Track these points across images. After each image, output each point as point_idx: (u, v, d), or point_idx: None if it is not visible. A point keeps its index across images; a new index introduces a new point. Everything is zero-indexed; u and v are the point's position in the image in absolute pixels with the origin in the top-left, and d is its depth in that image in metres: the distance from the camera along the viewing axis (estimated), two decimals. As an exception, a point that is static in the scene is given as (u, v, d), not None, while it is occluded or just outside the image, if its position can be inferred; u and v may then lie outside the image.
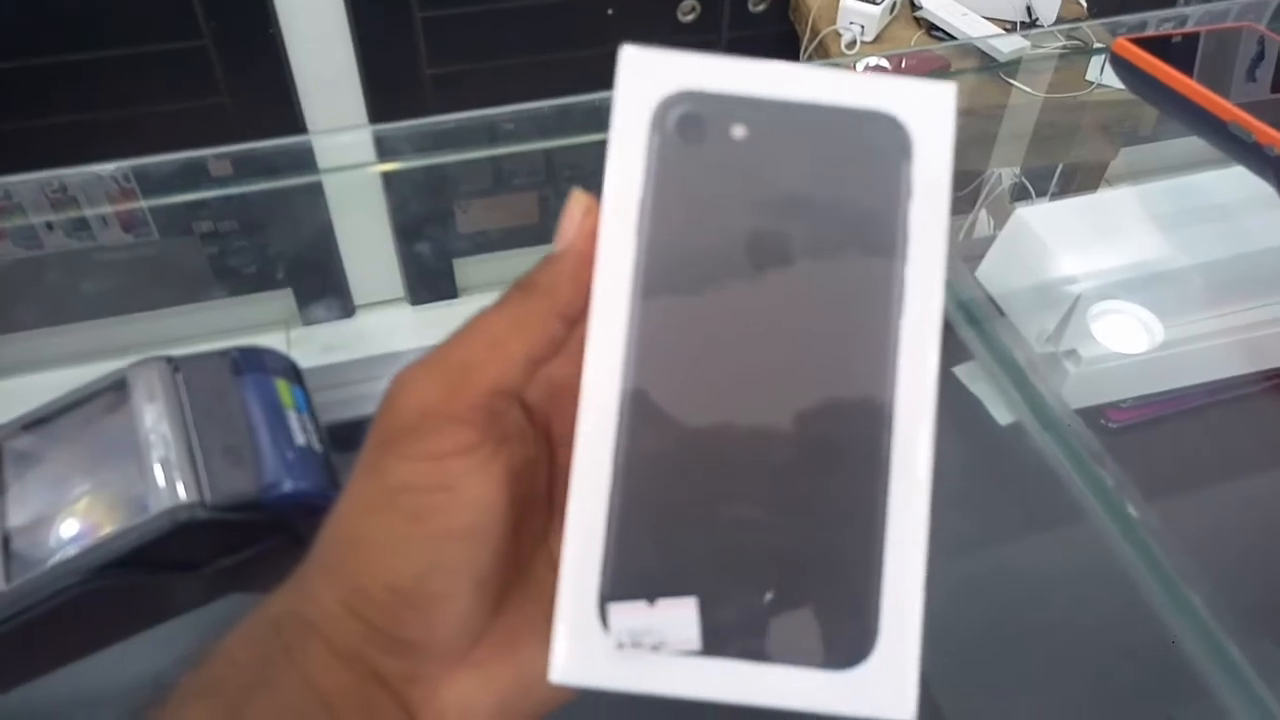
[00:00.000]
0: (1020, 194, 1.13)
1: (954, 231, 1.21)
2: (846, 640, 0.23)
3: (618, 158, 0.23)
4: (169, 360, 0.39)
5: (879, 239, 0.23)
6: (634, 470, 0.23)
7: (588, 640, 0.22)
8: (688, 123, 0.23)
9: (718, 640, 0.22)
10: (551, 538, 0.27)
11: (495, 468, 0.24)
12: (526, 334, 0.24)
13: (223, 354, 0.40)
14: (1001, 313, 0.68)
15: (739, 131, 0.23)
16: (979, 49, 1.17)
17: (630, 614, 0.22)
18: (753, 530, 0.23)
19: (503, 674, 0.25)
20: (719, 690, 0.22)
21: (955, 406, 0.66)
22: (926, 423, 0.23)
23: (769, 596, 0.23)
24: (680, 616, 0.22)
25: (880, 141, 0.24)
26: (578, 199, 0.24)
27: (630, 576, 0.22)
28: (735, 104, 0.23)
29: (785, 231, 0.23)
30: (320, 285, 1.32)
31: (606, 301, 0.23)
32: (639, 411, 0.23)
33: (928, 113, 0.24)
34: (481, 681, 0.25)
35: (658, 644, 0.22)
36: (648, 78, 0.23)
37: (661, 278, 0.23)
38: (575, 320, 0.24)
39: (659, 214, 0.23)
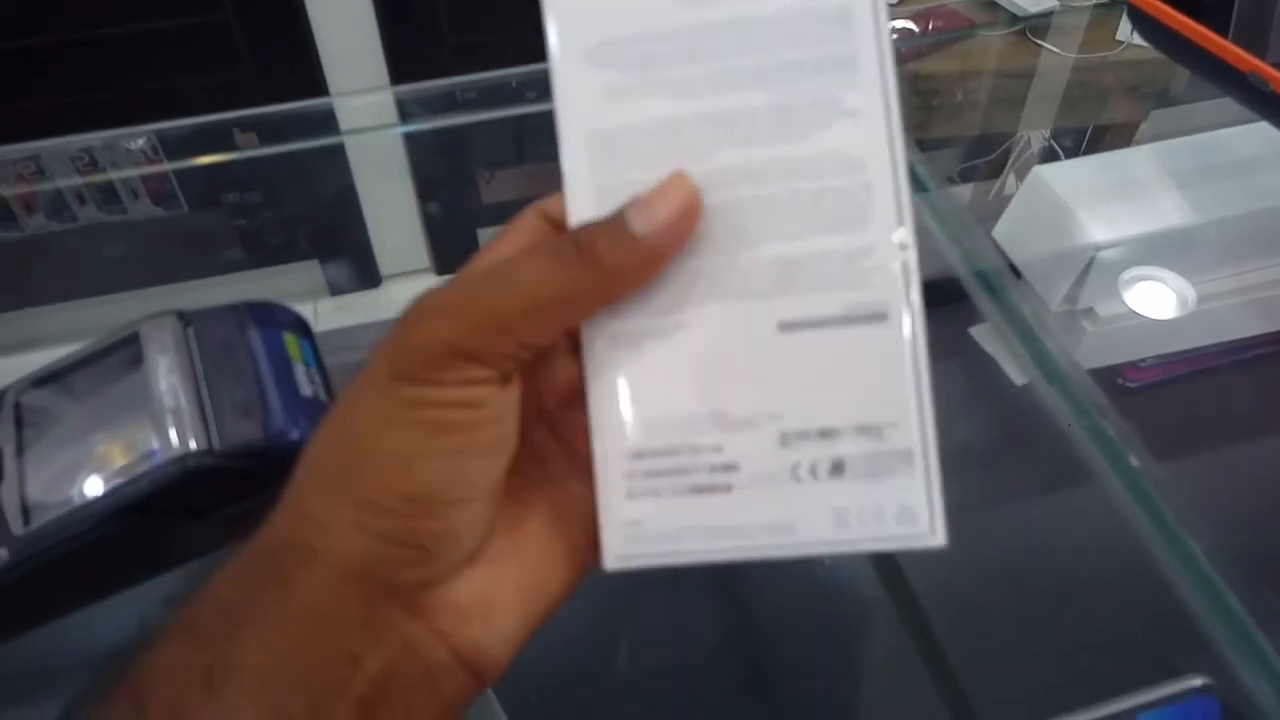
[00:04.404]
0: (1049, 157, 1.11)
1: (981, 194, 1.20)
2: None
3: None
4: (180, 315, 0.40)
5: None
6: None
7: None
8: None
9: None
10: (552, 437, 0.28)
11: (514, 389, 0.25)
12: (574, 312, 0.25)
13: (233, 308, 0.41)
14: (1016, 271, 0.68)
15: None
16: (1005, 7, 1.15)
17: None
18: None
19: (514, 565, 0.26)
20: None
21: (970, 367, 0.66)
22: None
23: None
24: None
25: None
26: (683, 183, 0.24)
27: None
28: None
29: None
30: (346, 255, 1.34)
31: None
32: None
33: None
34: (494, 575, 0.26)
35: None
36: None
37: None
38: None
39: None
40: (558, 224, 0.27)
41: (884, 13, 0.25)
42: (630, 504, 0.25)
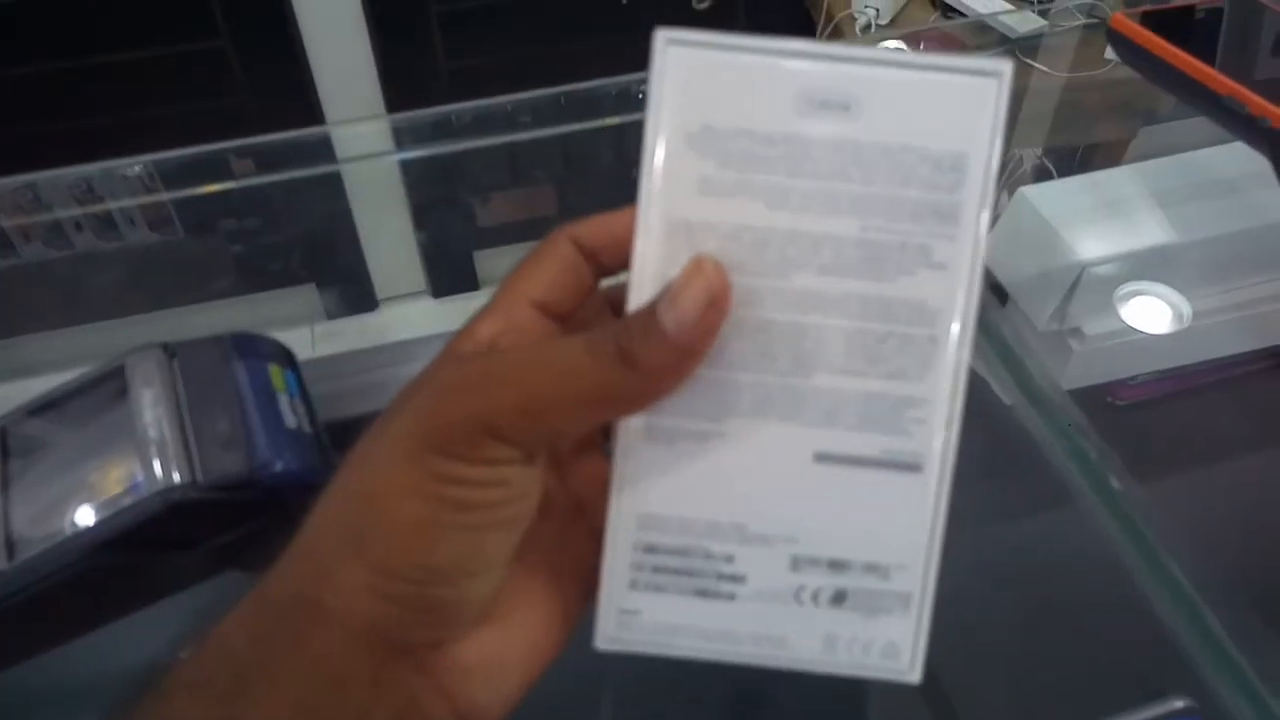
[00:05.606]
0: (1041, 176, 1.11)
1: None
2: None
3: None
4: (165, 347, 0.41)
5: None
6: None
7: None
8: None
9: None
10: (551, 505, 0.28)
11: (539, 465, 0.25)
12: (613, 410, 0.25)
13: (217, 340, 0.42)
14: (1004, 291, 0.68)
15: None
16: (996, 29, 1.16)
17: None
18: None
19: (519, 624, 0.26)
20: None
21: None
22: None
23: None
24: None
25: None
26: (705, 270, 0.24)
27: None
28: None
29: None
30: (343, 280, 1.34)
31: None
32: None
33: None
34: (500, 635, 0.26)
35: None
36: None
37: None
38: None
39: None
40: (588, 252, 0.27)
41: (996, 168, 0.25)
42: (633, 593, 0.26)
